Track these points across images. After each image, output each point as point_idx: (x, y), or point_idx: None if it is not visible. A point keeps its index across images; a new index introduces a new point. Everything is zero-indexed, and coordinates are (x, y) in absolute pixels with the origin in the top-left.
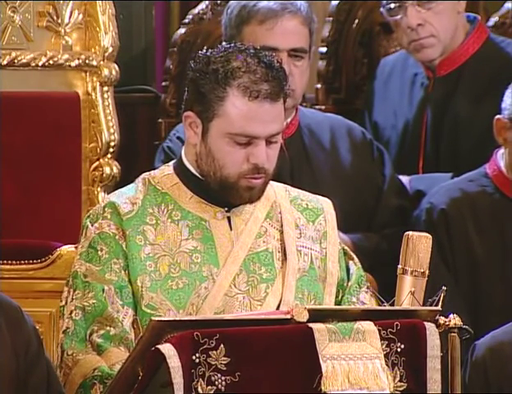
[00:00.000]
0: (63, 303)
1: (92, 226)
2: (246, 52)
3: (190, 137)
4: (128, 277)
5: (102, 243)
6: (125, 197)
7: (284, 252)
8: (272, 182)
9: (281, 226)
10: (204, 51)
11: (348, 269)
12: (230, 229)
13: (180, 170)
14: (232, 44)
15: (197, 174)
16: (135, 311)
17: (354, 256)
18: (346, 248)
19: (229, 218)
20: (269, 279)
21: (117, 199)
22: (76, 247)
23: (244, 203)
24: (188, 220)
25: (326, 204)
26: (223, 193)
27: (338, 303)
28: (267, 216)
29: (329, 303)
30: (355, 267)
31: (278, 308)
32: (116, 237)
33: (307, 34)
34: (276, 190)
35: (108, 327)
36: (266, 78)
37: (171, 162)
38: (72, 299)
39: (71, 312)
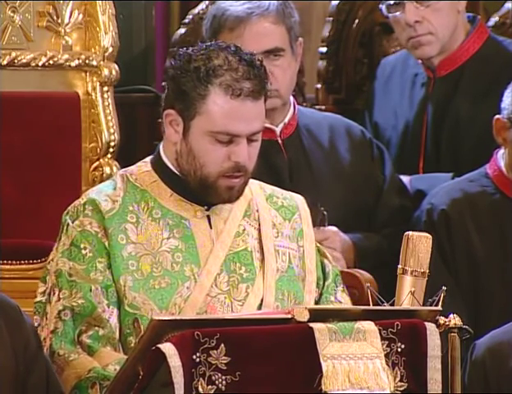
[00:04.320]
0: (40, 299)
1: (72, 223)
2: (227, 50)
3: (171, 135)
4: (112, 275)
5: (85, 241)
6: (105, 194)
7: (262, 251)
8: None
9: (259, 224)
10: (185, 49)
11: (323, 267)
12: (210, 228)
13: (159, 167)
14: (213, 42)
15: (176, 172)
16: (120, 310)
17: (327, 253)
18: (319, 245)
19: (208, 217)
20: (249, 279)
21: (97, 196)
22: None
23: (224, 202)
24: (168, 218)
25: (299, 201)
26: (203, 192)
27: (316, 302)
28: (245, 214)
29: (309, 301)
30: (331, 265)
31: (260, 308)
32: (99, 235)
33: (282, 31)
34: (252, 188)
35: (97, 328)
36: (248, 76)
37: (148, 159)
38: (59, 298)
39: (59, 312)
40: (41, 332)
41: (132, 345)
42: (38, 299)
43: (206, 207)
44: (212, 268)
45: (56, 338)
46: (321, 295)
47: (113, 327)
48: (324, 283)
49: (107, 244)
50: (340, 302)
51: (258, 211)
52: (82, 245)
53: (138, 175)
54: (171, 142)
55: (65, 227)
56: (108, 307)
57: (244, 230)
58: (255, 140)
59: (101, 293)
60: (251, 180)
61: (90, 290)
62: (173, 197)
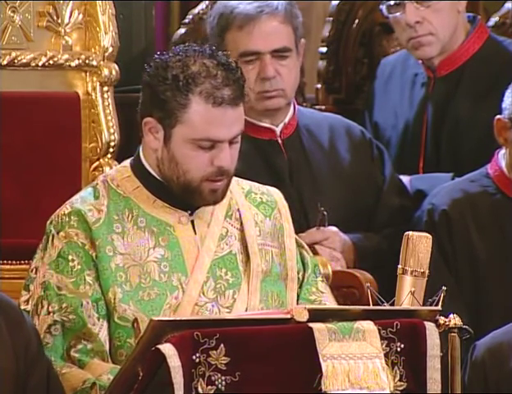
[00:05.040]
0: (25, 307)
1: (57, 234)
2: (203, 54)
3: (151, 142)
4: (100, 288)
5: (72, 253)
6: (89, 203)
7: (246, 252)
8: None
9: (241, 224)
10: (159, 54)
11: (302, 258)
12: (195, 233)
13: (141, 173)
14: (187, 46)
15: (158, 178)
16: (109, 322)
17: (304, 244)
18: (296, 236)
19: (193, 222)
20: (235, 284)
21: (82, 206)
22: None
23: (209, 205)
24: (153, 226)
25: (277, 195)
26: (187, 197)
27: (298, 294)
28: (226, 215)
29: (291, 299)
30: (309, 256)
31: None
32: (86, 247)
33: (289, 31)
34: (230, 186)
35: (85, 342)
36: (227, 82)
37: (127, 162)
38: (48, 312)
39: (50, 326)
40: None
41: (123, 357)
42: (21, 307)
43: (189, 212)
44: (199, 276)
45: (46, 352)
46: (301, 287)
47: (103, 340)
48: (304, 274)
49: (94, 256)
50: (322, 292)
51: (238, 210)
52: (70, 257)
53: (119, 181)
54: (152, 149)
55: (50, 238)
56: (98, 320)
57: (227, 232)
58: (235, 142)
59: (91, 307)
60: None
61: (81, 305)
62: (156, 203)
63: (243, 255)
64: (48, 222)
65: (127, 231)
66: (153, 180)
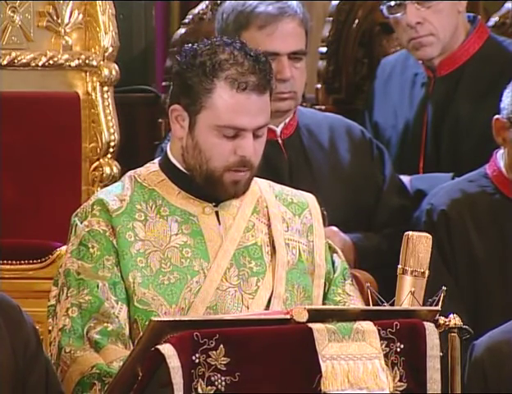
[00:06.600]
0: (52, 302)
1: (81, 223)
2: (233, 45)
3: (177, 131)
4: (120, 273)
5: (92, 240)
6: (113, 194)
7: (272, 245)
8: (255, 178)
9: (268, 220)
10: (190, 45)
11: (333, 262)
12: (219, 223)
13: (166, 166)
14: (219, 38)
15: (183, 170)
16: (129, 307)
17: (338, 249)
18: (330, 241)
19: (217, 213)
20: (259, 272)
21: (105, 196)
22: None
23: (230, 198)
24: (176, 215)
25: (310, 199)
26: (208, 187)
27: (324, 295)
28: (254, 210)
29: (317, 295)
30: (340, 260)
31: (270, 300)
32: (107, 234)
33: (304, 34)
34: (261, 186)
35: (106, 324)
36: (253, 70)
37: (156, 160)
38: (67, 296)
39: (67, 309)
40: (52, 332)
41: None
42: (50, 303)
43: (214, 203)
44: (222, 262)
45: (64, 335)
46: (329, 287)
47: (122, 322)
48: (333, 276)
49: (115, 242)
50: (349, 295)
51: (267, 207)
52: (90, 244)
53: (146, 175)
54: (177, 137)
55: (73, 229)
56: (117, 303)
57: (253, 225)
58: (261, 135)
59: (108, 289)
60: (260, 179)
61: (97, 286)
62: (181, 195)
63: (269, 248)
64: (74, 214)
65: (150, 219)
66: (178, 173)
